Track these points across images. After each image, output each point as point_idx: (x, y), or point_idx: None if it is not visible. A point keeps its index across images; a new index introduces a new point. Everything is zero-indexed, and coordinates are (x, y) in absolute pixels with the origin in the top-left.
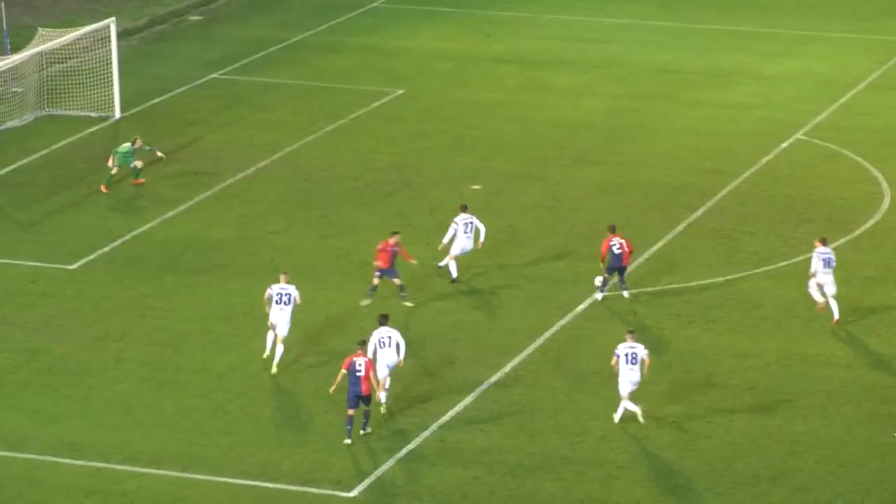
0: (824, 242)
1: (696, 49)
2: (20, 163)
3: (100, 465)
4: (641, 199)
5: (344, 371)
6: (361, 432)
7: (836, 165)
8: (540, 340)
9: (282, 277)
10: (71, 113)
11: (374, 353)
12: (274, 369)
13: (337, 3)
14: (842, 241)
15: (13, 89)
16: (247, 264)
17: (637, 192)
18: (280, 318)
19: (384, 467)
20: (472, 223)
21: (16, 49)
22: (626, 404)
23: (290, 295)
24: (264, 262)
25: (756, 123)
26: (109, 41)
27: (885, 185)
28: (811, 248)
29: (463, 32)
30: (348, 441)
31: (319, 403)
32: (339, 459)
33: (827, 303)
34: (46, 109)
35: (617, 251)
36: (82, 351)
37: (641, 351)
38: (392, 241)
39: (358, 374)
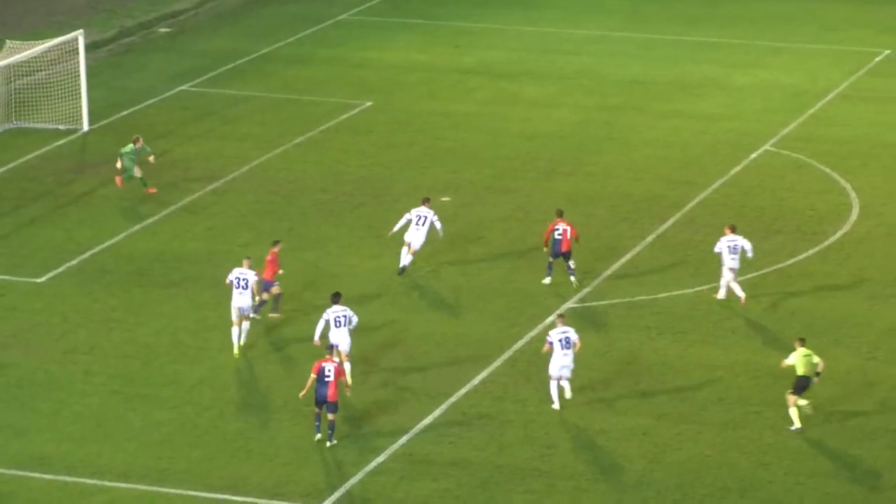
0: (733, 230)
1: (666, 60)
2: None
3: (69, 479)
4: (611, 210)
5: (313, 376)
6: (328, 444)
7: (805, 176)
8: (509, 352)
9: (245, 262)
10: (39, 126)
11: (328, 330)
12: (236, 350)
13: (305, 15)
14: (811, 251)
15: None
16: (215, 277)
17: (607, 204)
18: (241, 302)
19: (353, 480)
20: (426, 217)
21: None
22: (553, 386)
23: (247, 280)
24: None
25: (725, 134)
26: (77, 53)
27: (853, 195)
28: (781, 260)
29: (432, 44)
30: (319, 436)
31: (287, 416)
32: (309, 472)
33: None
34: (14, 122)
35: (558, 237)
36: (51, 364)
37: (573, 335)
38: (276, 250)
39: (326, 378)
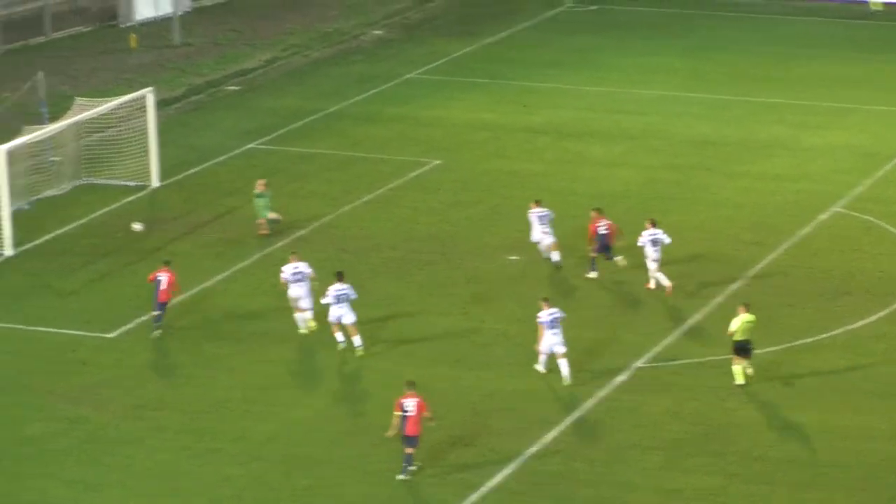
0: (654, 224)
1: (734, 121)
2: (58, 231)
3: None
4: (680, 270)
5: (398, 413)
6: (400, 476)
7: (874, 238)
8: (579, 412)
9: (292, 258)
10: (109, 182)
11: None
12: (312, 325)
13: (373, 75)
14: (881, 313)
15: (51, 159)
16: (285, 333)
17: (676, 264)
18: (299, 292)
19: None
20: (546, 214)
21: (53, 119)
22: (543, 358)
23: (302, 272)
24: (303, 331)
25: (794, 195)
26: (147, 111)
27: None
28: (851, 322)
29: (499, 103)
30: (400, 476)
31: (356, 474)
32: None
33: (657, 281)
34: (84, 179)
35: (603, 231)
36: (121, 420)
37: (559, 313)
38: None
39: (406, 413)
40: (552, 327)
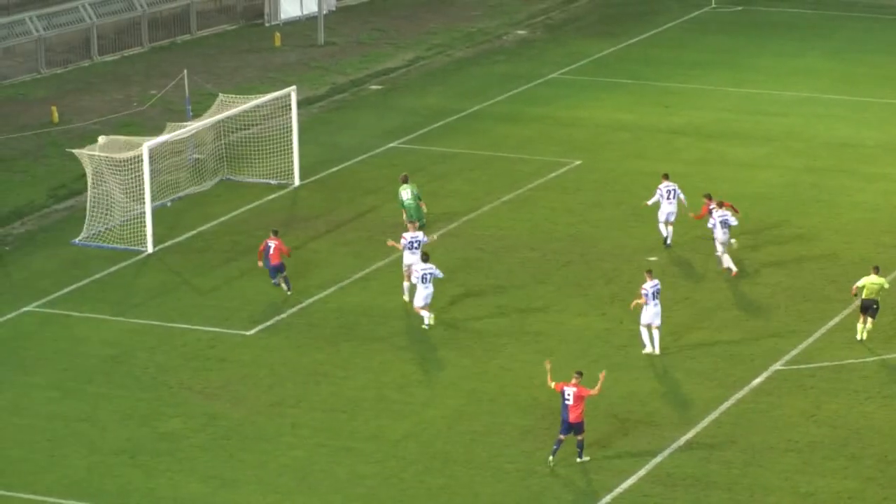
0: (721, 204)
1: (875, 123)
2: (200, 228)
3: None
4: (819, 272)
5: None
6: (578, 460)
7: None
8: (715, 414)
9: (410, 226)
10: (250, 180)
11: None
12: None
13: (515, 75)
14: None
15: (194, 156)
16: (421, 332)
17: (815, 266)
18: (411, 259)
19: None
20: (674, 190)
21: (197, 116)
22: (644, 333)
23: (419, 241)
24: (439, 330)
25: None
26: (290, 109)
27: None
28: None
29: (640, 104)
30: (550, 459)
31: (490, 473)
32: None
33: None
34: (226, 176)
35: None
36: (258, 416)
37: (659, 285)
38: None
39: (566, 402)
40: (654, 299)
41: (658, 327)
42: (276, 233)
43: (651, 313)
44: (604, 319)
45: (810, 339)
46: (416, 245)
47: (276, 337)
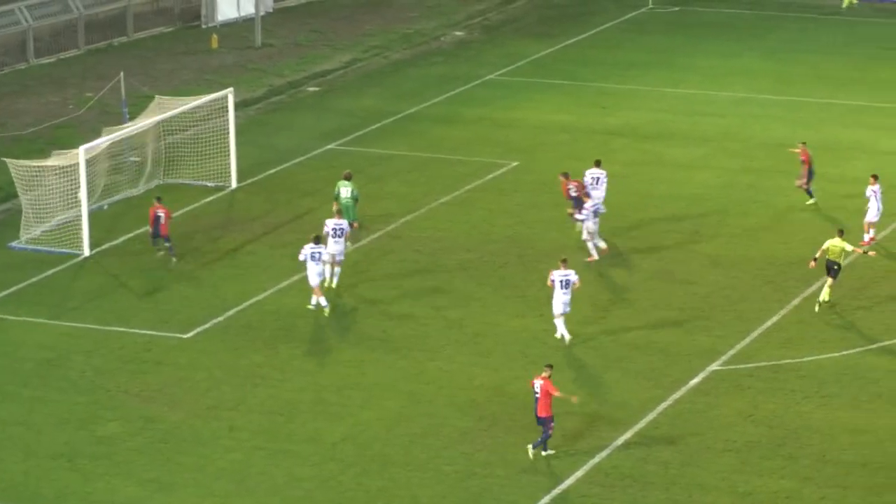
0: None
1: (812, 123)
2: (137, 231)
3: None
4: (756, 273)
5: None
6: (543, 454)
7: None
8: (652, 414)
9: (336, 215)
10: (188, 182)
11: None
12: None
13: (452, 76)
14: None
15: (131, 159)
16: (359, 334)
17: (752, 267)
18: (335, 248)
19: None
20: (599, 177)
21: (133, 118)
22: (558, 322)
23: (343, 229)
24: (376, 332)
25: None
26: (227, 111)
27: None
28: None
29: (577, 105)
30: (530, 450)
31: (429, 475)
32: None
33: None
34: (164, 179)
35: (574, 193)
36: (196, 419)
37: (573, 276)
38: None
39: (535, 395)
40: (563, 287)
41: (565, 314)
42: (159, 199)
43: (560, 301)
44: (541, 321)
45: (747, 339)
46: (339, 233)
47: (214, 339)
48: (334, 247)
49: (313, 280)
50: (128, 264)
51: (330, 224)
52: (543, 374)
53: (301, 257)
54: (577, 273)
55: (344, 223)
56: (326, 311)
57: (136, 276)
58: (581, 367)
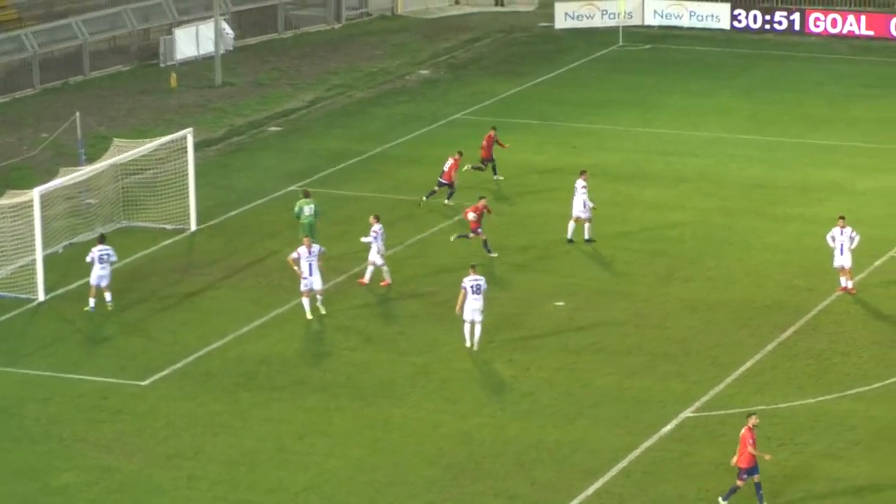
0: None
1: (787, 163)
2: None
3: None
4: (731, 316)
5: None
6: None
7: None
8: (624, 462)
9: (305, 241)
10: (146, 225)
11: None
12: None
13: (418, 115)
14: None
15: (87, 201)
16: (322, 381)
17: (726, 310)
18: (318, 283)
19: None
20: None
21: (91, 160)
22: (466, 328)
23: (316, 253)
24: (341, 379)
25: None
26: (186, 152)
27: None
28: None
29: (547, 144)
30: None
31: None
32: None
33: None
34: (122, 221)
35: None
36: (153, 469)
37: (483, 283)
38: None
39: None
40: (474, 293)
41: (480, 322)
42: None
43: (470, 308)
44: (510, 366)
45: (722, 385)
46: (313, 262)
47: (172, 387)
48: (318, 281)
49: (93, 280)
50: (84, 310)
51: (303, 254)
52: (749, 423)
53: (88, 259)
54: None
55: (317, 247)
56: (110, 306)
57: (93, 321)
58: (552, 414)
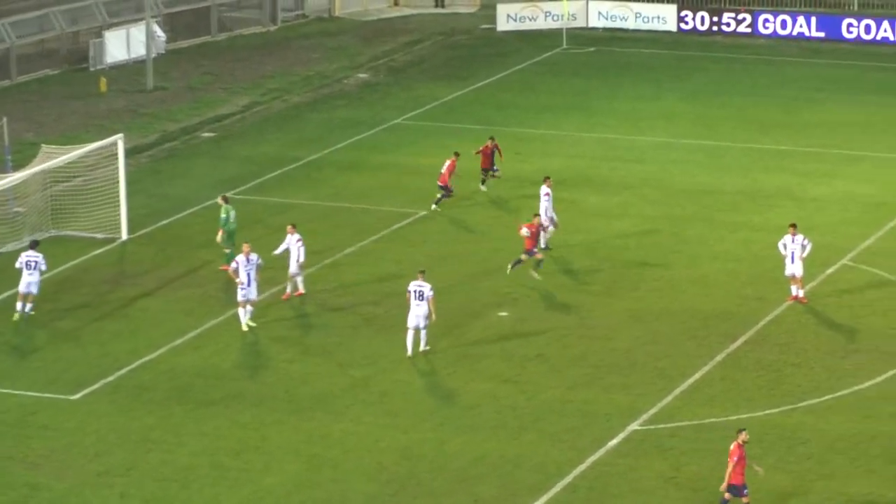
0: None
1: (736, 169)
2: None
3: None
4: (678, 327)
5: None
6: None
7: (884, 293)
8: (569, 477)
9: (245, 247)
10: (76, 234)
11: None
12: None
13: (357, 120)
14: (891, 373)
15: (15, 209)
16: (259, 395)
17: (674, 320)
18: (253, 292)
19: None
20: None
21: (18, 167)
22: (410, 336)
23: (258, 263)
24: (278, 392)
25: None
26: (117, 158)
27: None
28: (860, 381)
29: None
30: None
31: None
32: None
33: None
34: (51, 231)
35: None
36: (84, 487)
37: (428, 290)
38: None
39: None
40: (417, 298)
41: (426, 327)
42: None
43: (414, 314)
44: (452, 378)
45: (669, 397)
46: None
47: (104, 401)
48: (254, 291)
49: (22, 288)
50: (11, 322)
51: (242, 262)
52: (739, 439)
53: (17, 265)
54: (431, 287)
55: (255, 256)
56: (23, 315)
57: (20, 333)
58: (495, 428)
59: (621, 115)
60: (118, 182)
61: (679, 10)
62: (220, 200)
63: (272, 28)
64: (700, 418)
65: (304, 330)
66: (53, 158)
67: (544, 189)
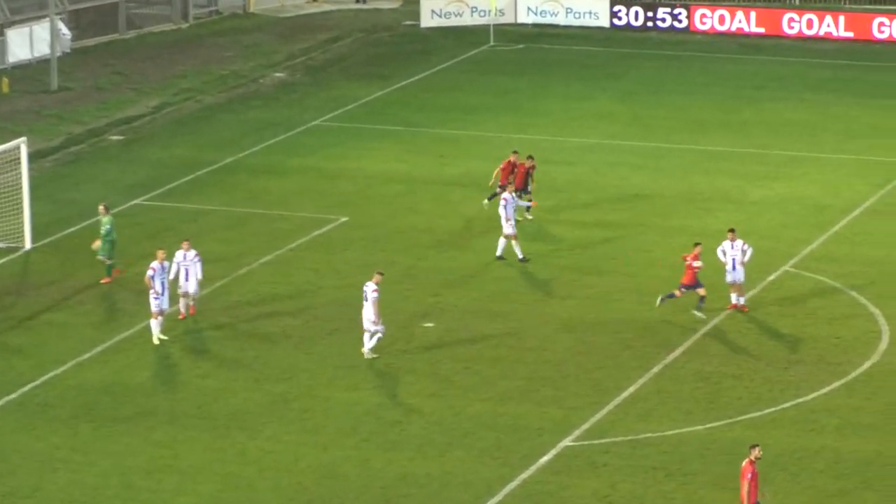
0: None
1: (673, 171)
2: None
3: None
4: (613, 337)
5: None
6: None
7: (828, 300)
8: (499, 496)
9: (160, 254)
10: None
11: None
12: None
13: (273, 122)
14: (836, 384)
15: None
16: (171, 411)
17: (608, 330)
18: (193, 286)
19: None
20: (511, 202)
21: None
22: (366, 337)
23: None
24: (191, 408)
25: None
26: (20, 163)
27: (883, 322)
28: (803, 393)
29: (412, 153)
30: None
31: None
32: None
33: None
34: None
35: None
36: None
37: (370, 292)
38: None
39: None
40: (365, 300)
41: (368, 332)
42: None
43: (363, 316)
44: (376, 393)
45: (603, 411)
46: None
47: (6, 419)
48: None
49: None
50: None
51: (157, 269)
52: (752, 456)
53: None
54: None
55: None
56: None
57: None
58: (421, 445)
59: (551, 115)
60: (21, 188)
61: (612, 6)
62: (101, 209)
63: (184, 25)
64: (635, 433)
65: (219, 343)
66: None
67: (507, 196)
